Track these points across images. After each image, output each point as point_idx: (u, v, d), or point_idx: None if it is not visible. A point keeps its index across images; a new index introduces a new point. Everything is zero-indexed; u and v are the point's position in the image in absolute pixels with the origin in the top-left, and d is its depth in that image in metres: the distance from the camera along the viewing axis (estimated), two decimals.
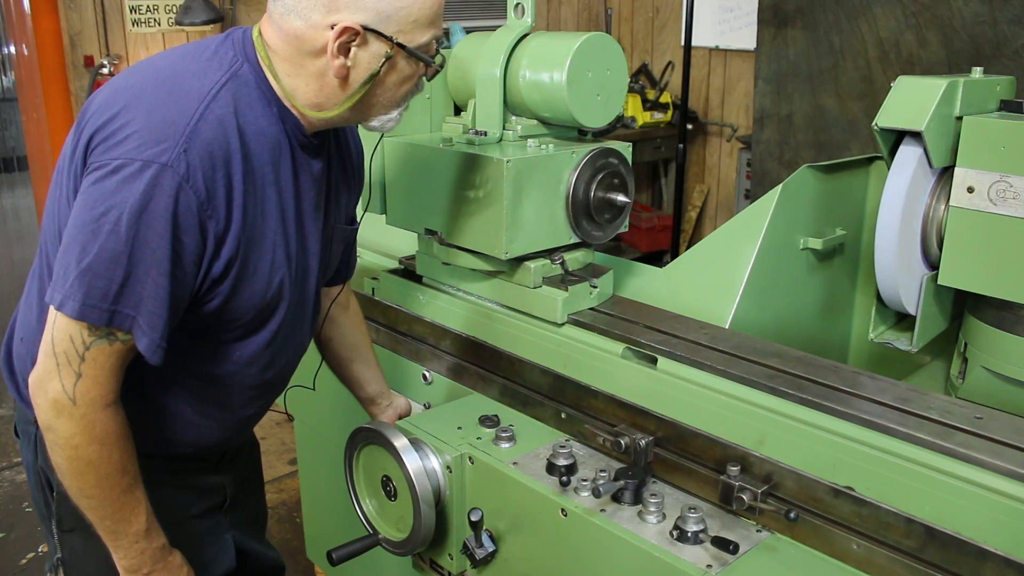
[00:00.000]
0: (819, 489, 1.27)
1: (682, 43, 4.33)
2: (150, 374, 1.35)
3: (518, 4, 1.75)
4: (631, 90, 5.31)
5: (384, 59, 1.30)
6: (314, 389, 1.85)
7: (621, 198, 1.75)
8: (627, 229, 1.85)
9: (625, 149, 1.78)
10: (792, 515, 1.26)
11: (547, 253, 1.73)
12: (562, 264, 1.72)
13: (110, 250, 1.20)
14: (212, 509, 1.63)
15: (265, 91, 1.33)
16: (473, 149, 1.70)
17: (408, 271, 2.02)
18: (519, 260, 1.71)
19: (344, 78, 1.32)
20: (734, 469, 1.33)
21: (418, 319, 1.93)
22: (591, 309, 1.74)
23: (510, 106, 1.78)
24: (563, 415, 1.62)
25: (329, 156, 1.49)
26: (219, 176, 1.25)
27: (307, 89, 1.34)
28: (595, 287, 1.74)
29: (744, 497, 1.29)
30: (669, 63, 5.36)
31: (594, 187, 1.72)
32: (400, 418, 1.80)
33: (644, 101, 5.25)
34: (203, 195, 1.24)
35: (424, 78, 1.40)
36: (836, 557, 1.26)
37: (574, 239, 1.75)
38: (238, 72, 1.31)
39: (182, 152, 1.21)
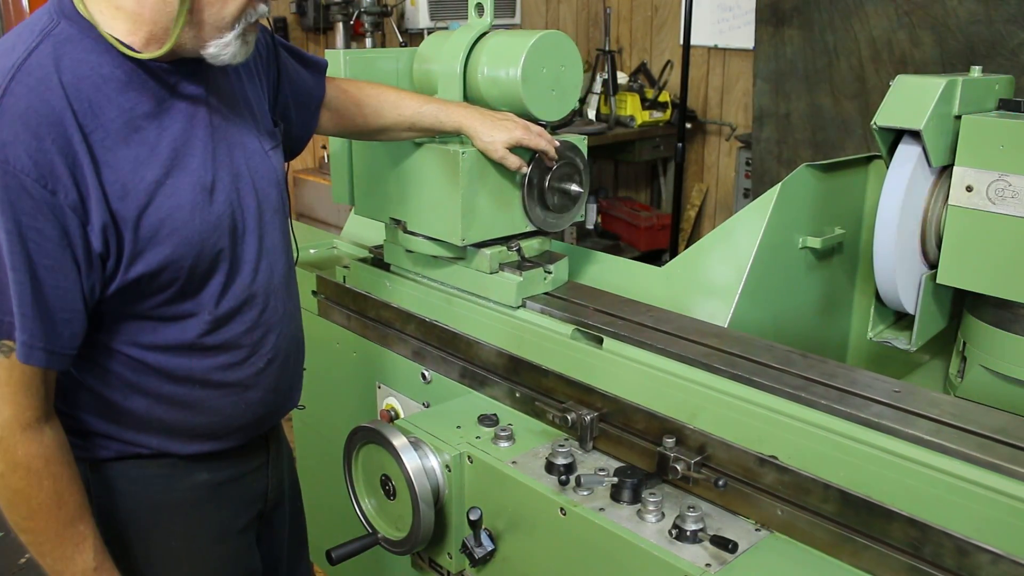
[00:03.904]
0: (746, 458, 1.33)
1: (681, 42, 4.33)
2: (133, 368, 1.32)
3: (478, 3, 1.85)
4: (630, 89, 5.31)
5: None
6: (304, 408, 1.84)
7: (575, 188, 1.83)
8: (583, 218, 1.94)
9: (580, 142, 1.86)
10: (720, 483, 1.31)
11: (504, 241, 1.81)
12: (518, 251, 1.81)
13: None
14: (252, 521, 1.57)
15: (95, 39, 1.22)
16: (433, 141, 1.78)
17: (377, 260, 2.11)
18: (477, 247, 1.79)
19: None
20: (670, 441, 1.40)
21: (385, 305, 2.00)
22: (545, 294, 1.82)
23: (470, 100, 1.85)
24: (517, 394, 1.68)
25: (206, 74, 1.35)
26: (48, 143, 1.14)
27: (132, 26, 1.23)
28: (549, 272, 1.83)
29: (678, 467, 1.36)
30: (668, 62, 5.36)
31: (548, 177, 1.79)
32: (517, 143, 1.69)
33: (643, 100, 5.25)
34: (33, 171, 1.13)
35: (262, 2, 1.29)
36: (761, 522, 1.32)
37: (530, 227, 1.83)
38: (52, 32, 1.20)
39: None
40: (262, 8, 1.31)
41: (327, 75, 1.72)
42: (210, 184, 1.33)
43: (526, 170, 1.75)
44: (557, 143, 1.76)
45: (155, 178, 1.26)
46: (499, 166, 1.73)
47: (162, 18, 1.23)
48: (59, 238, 1.17)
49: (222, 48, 1.28)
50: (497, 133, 1.67)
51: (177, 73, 1.30)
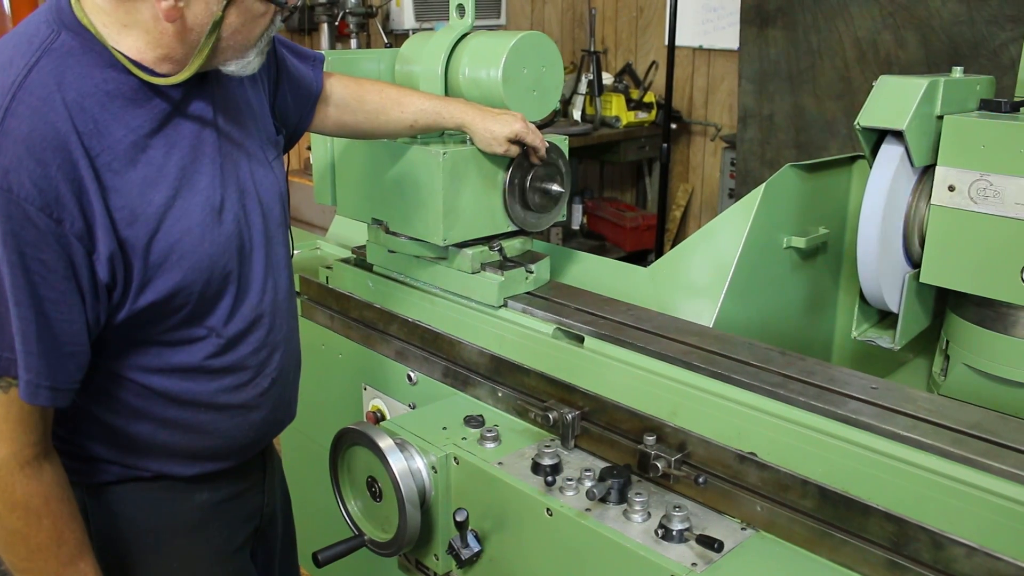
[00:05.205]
0: (726, 455, 1.34)
1: (666, 43, 4.34)
2: (137, 393, 1.29)
3: (459, 4, 1.87)
4: (615, 89, 5.31)
5: (225, 1, 1.15)
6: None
7: (556, 188, 1.85)
8: (565, 218, 1.96)
9: (561, 142, 1.87)
10: (701, 480, 1.32)
11: (486, 241, 1.82)
12: (500, 251, 1.82)
13: None
14: (249, 537, 1.56)
15: (99, 51, 1.15)
16: (414, 142, 1.78)
17: (360, 260, 2.12)
18: (458, 247, 1.80)
19: (179, 21, 1.14)
20: (650, 439, 1.41)
21: (368, 305, 2.00)
22: (527, 293, 1.83)
23: None
24: (499, 393, 1.69)
25: (212, 85, 1.31)
26: (53, 170, 1.08)
27: (145, 44, 1.16)
28: (531, 272, 1.84)
29: (659, 465, 1.37)
30: (653, 63, 5.37)
31: (530, 178, 1.80)
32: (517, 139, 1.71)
33: (628, 101, 5.26)
34: (37, 199, 1.07)
35: (280, 17, 1.26)
36: (742, 519, 1.33)
37: (511, 227, 1.83)
38: (52, 46, 1.13)
39: None
40: (279, 20, 1.28)
41: (326, 71, 1.69)
42: (219, 203, 1.28)
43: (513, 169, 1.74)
44: (547, 144, 1.78)
45: (164, 200, 1.21)
46: (480, 166, 1.73)
47: (182, 46, 1.18)
48: (64, 269, 1.12)
49: (243, 66, 1.26)
50: (497, 127, 1.68)
51: (184, 87, 1.25)
